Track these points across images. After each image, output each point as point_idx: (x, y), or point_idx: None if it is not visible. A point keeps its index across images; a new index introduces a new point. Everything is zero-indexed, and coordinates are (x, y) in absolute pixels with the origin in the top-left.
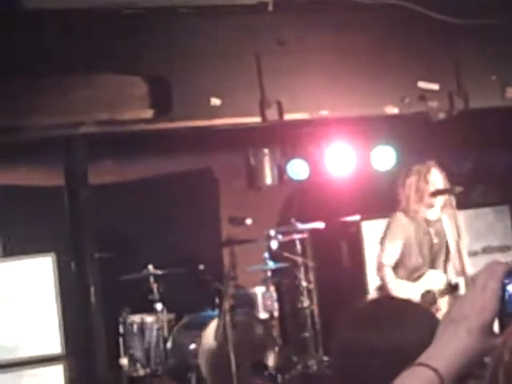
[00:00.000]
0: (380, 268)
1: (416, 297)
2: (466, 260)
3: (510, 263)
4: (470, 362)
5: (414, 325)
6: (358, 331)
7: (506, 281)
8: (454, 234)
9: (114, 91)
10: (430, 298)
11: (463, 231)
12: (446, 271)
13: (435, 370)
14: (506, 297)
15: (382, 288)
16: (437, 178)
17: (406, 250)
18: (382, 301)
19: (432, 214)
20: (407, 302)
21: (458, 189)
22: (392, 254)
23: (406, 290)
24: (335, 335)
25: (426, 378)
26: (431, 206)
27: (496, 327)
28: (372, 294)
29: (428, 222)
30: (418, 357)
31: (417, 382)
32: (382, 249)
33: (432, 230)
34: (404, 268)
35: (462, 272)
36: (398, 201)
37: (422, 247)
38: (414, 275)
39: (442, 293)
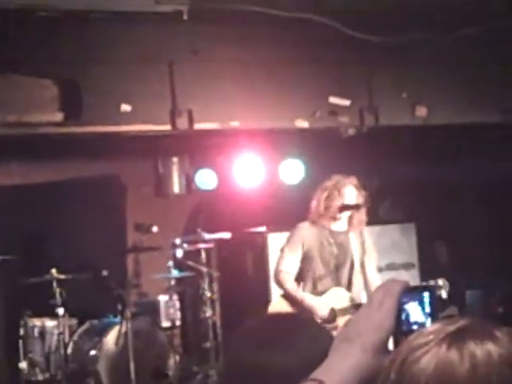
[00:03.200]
0: (277, 274)
1: (320, 308)
2: (375, 276)
3: (407, 282)
4: (363, 380)
5: (306, 345)
6: (249, 350)
7: (403, 300)
8: (361, 251)
9: (23, 93)
10: (330, 315)
11: (371, 247)
12: (350, 288)
13: None
14: (402, 316)
15: (284, 296)
16: (350, 194)
17: (307, 259)
18: (276, 319)
19: (337, 226)
20: (301, 321)
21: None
22: (290, 262)
23: (308, 297)
24: (228, 352)
25: None
26: (337, 219)
27: (391, 345)
28: (276, 299)
29: (332, 233)
30: (307, 376)
31: None
32: (280, 256)
33: (334, 241)
34: (309, 279)
35: (366, 288)
36: (309, 209)
37: (324, 257)
38: (318, 287)
39: (344, 311)
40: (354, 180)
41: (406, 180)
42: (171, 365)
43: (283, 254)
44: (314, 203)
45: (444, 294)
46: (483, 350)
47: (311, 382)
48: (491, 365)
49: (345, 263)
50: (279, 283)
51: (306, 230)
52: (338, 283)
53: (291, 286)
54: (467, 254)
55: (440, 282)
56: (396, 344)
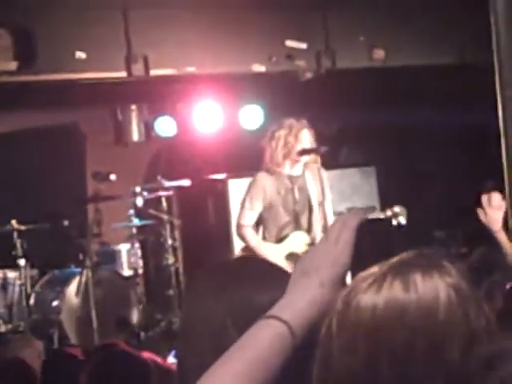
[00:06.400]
0: (239, 228)
1: (280, 258)
2: (331, 218)
3: (364, 216)
4: (321, 315)
5: (266, 284)
6: (217, 287)
7: (359, 233)
8: (319, 192)
9: None
10: (294, 260)
11: (327, 189)
12: (310, 230)
13: (285, 322)
14: (360, 248)
15: (247, 248)
16: (306, 138)
17: (270, 210)
18: (238, 260)
19: (295, 170)
20: (262, 262)
21: (324, 148)
22: (251, 215)
23: (270, 252)
24: (189, 293)
25: (275, 330)
26: (296, 162)
27: (349, 280)
28: (238, 253)
29: (291, 179)
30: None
31: (266, 334)
32: (241, 210)
33: (295, 187)
34: (273, 228)
35: (324, 230)
36: (263, 157)
37: (287, 204)
38: (282, 235)
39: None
40: (305, 122)
41: (365, 123)
42: (134, 313)
43: (244, 207)
44: (269, 151)
45: (402, 220)
46: (429, 279)
47: (269, 318)
48: (437, 294)
49: (305, 207)
50: (242, 238)
51: (265, 180)
52: (299, 227)
53: (254, 241)
54: (428, 197)
55: (396, 208)
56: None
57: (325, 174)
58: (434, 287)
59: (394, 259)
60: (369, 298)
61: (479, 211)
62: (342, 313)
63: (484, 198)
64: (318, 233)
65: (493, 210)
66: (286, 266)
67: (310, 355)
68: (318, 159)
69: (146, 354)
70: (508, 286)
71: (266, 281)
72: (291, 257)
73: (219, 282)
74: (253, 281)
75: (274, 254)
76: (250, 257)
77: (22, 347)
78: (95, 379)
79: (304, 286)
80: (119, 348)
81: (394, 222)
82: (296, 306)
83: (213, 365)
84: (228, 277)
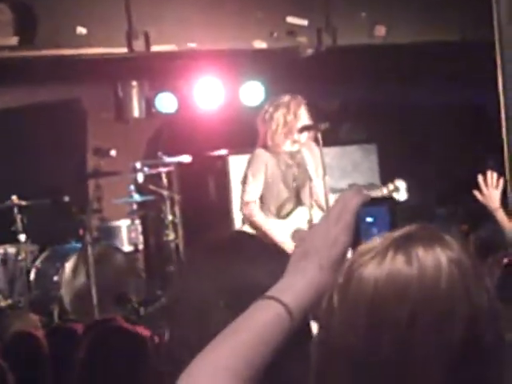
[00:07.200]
0: (244, 206)
1: (287, 234)
2: (329, 193)
3: (366, 195)
4: (319, 296)
5: (261, 262)
6: (218, 265)
7: (361, 213)
8: (318, 168)
9: None
10: (300, 235)
11: (321, 165)
12: (312, 205)
13: (284, 304)
14: (361, 229)
15: (250, 225)
16: (304, 114)
17: (270, 186)
18: (231, 238)
19: (294, 147)
20: (255, 240)
21: (324, 125)
22: (255, 191)
23: (276, 227)
24: (183, 270)
25: (274, 311)
26: (296, 141)
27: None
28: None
29: (289, 154)
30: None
31: (265, 315)
32: (244, 187)
33: (293, 162)
34: (272, 205)
35: (326, 207)
36: (261, 134)
37: (287, 180)
38: (282, 211)
39: None
40: (300, 98)
41: (367, 100)
42: (134, 289)
43: (247, 182)
44: (269, 132)
45: (403, 195)
46: (431, 253)
47: (268, 299)
48: (439, 268)
49: (305, 182)
50: (247, 215)
51: (265, 156)
52: (300, 203)
53: (259, 217)
54: (429, 174)
55: (397, 182)
56: None
57: (317, 149)
58: (436, 261)
59: (396, 232)
60: (371, 271)
61: (475, 191)
62: (343, 286)
63: (480, 178)
64: (315, 208)
65: (489, 188)
66: (292, 241)
67: (305, 337)
68: (319, 135)
69: (142, 330)
70: (505, 261)
71: (259, 259)
72: (297, 233)
73: (212, 261)
74: (245, 259)
75: (280, 229)
76: (243, 234)
77: (18, 321)
78: (92, 354)
79: (304, 268)
80: (116, 323)
81: (396, 196)
82: (295, 287)
83: (207, 346)
84: (220, 256)
